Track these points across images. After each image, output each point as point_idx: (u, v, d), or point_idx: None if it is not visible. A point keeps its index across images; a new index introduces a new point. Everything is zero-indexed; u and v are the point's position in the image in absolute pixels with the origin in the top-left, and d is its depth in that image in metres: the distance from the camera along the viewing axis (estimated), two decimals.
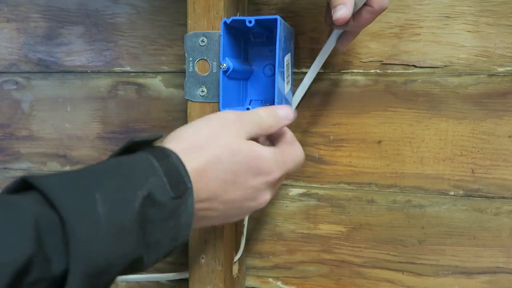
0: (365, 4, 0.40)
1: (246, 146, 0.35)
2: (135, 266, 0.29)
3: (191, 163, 0.32)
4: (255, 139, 0.37)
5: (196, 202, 0.32)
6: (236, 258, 0.55)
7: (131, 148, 0.32)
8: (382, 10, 0.41)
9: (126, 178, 0.29)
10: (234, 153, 0.34)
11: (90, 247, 0.25)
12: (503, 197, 0.50)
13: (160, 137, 0.34)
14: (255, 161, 0.35)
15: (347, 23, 0.41)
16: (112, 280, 0.28)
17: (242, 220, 0.57)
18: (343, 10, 0.39)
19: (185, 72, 0.48)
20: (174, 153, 0.32)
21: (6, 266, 0.23)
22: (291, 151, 0.39)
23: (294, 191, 0.57)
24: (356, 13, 0.41)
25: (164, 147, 0.33)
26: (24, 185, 0.27)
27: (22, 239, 0.24)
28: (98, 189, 0.27)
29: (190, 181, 0.31)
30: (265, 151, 0.36)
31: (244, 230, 0.56)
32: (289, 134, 0.40)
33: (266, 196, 0.38)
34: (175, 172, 0.31)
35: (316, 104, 0.54)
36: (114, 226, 0.27)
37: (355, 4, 0.40)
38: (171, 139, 0.34)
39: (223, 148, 0.34)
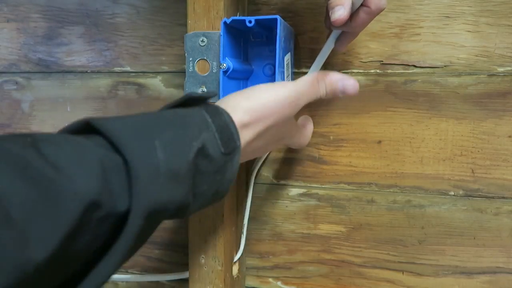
0: (362, 5, 0.40)
1: (291, 126, 0.42)
2: (181, 212, 0.31)
3: (245, 133, 0.35)
4: None
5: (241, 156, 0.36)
6: (236, 258, 0.55)
7: (186, 102, 0.34)
8: (380, 10, 0.41)
9: (183, 128, 0.31)
10: (280, 131, 0.39)
11: (151, 189, 0.27)
12: (503, 197, 0.50)
13: (215, 95, 0.37)
14: (289, 135, 0.43)
15: (345, 24, 0.41)
16: (162, 220, 0.30)
17: (242, 220, 0.57)
18: (341, 11, 0.39)
19: (185, 72, 0.48)
20: (226, 112, 0.34)
21: (79, 196, 0.24)
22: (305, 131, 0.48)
23: (294, 191, 0.57)
24: (353, 14, 0.41)
25: (216, 105, 0.35)
26: (86, 127, 0.28)
27: (92, 174, 0.25)
28: (157, 136, 0.29)
29: (239, 139, 0.34)
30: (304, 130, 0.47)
31: (244, 230, 0.56)
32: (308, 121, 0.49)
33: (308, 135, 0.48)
34: (226, 130, 0.33)
35: (316, 104, 0.54)
36: (171, 172, 0.28)
37: (353, 4, 0.40)
38: (236, 103, 0.36)
39: (274, 127, 0.38)
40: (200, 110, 0.33)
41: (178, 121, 0.31)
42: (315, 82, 0.40)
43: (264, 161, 0.57)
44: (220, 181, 0.33)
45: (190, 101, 0.34)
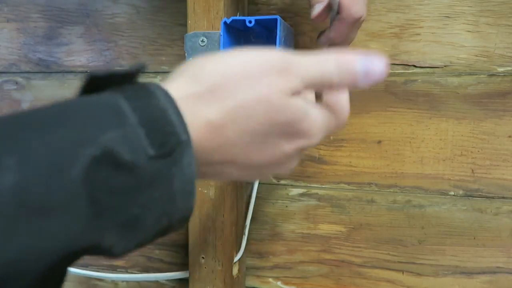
0: (337, 13, 0.41)
1: (289, 104, 0.25)
2: (96, 254, 0.21)
3: (204, 112, 0.23)
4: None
5: (202, 165, 0.24)
6: (237, 258, 0.55)
7: (95, 86, 0.23)
8: (352, 19, 0.40)
9: (66, 131, 0.20)
10: (270, 110, 0.25)
11: None
12: (503, 197, 0.50)
13: (142, 68, 0.23)
14: (296, 124, 0.26)
15: (326, 35, 0.42)
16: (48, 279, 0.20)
17: (244, 221, 0.57)
18: (319, 7, 0.40)
19: None
20: (165, 92, 0.22)
21: None
22: (340, 117, 0.30)
23: (294, 191, 0.57)
24: (331, 25, 0.41)
25: (148, 84, 0.23)
26: None
27: None
28: (13, 149, 0.19)
29: (186, 133, 0.22)
30: (313, 113, 0.27)
31: (246, 231, 0.56)
32: (346, 96, 0.30)
33: (295, 162, 0.29)
34: (160, 120, 0.21)
35: None
36: (32, 203, 0.18)
37: (332, 9, 0.40)
38: (180, 73, 0.25)
39: (255, 101, 0.24)
40: (112, 95, 0.22)
41: (60, 120, 0.20)
42: (320, 56, 0.27)
43: None
44: (163, 198, 0.22)
45: (102, 83, 0.23)
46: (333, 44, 0.43)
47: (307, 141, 0.28)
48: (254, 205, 0.58)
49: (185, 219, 0.24)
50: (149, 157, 0.21)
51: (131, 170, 0.20)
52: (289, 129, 0.26)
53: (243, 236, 0.56)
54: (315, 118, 0.27)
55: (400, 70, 0.52)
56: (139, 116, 0.21)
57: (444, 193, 0.52)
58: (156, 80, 0.60)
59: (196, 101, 0.24)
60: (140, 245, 0.23)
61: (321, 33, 0.44)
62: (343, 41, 0.43)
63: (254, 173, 0.28)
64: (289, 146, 0.27)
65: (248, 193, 0.58)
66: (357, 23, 0.41)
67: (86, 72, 0.62)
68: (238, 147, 0.25)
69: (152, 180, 0.21)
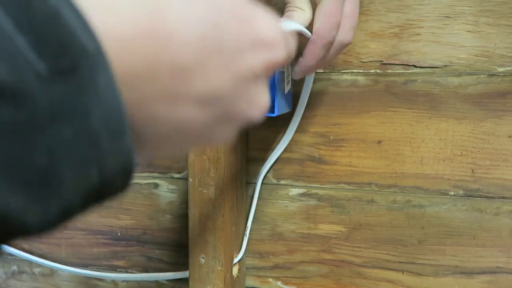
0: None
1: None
2: (8, 231, 0.14)
3: (121, 14, 0.16)
4: None
5: (135, 104, 0.17)
6: (237, 259, 0.55)
7: None
8: (323, 39, 0.39)
9: None
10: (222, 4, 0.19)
11: None
12: (503, 197, 0.50)
13: None
14: (257, 25, 0.21)
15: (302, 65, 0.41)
16: None
17: (244, 221, 0.57)
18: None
19: None
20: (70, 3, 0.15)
21: None
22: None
23: (294, 191, 0.57)
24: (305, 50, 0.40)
25: None
26: None
27: None
28: None
29: (94, 40, 0.15)
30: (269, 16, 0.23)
31: (247, 232, 0.56)
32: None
33: (264, 98, 0.23)
34: (51, 23, 0.14)
35: (316, 104, 0.54)
36: None
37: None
38: None
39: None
40: None
41: None
42: None
43: (266, 161, 0.57)
44: (81, 141, 0.15)
45: None
46: (310, 70, 0.42)
47: (270, 52, 0.22)
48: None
49: (128, 170, 0.17)
50: (40, 76, 0.14)
51: (18, 97, 0.13)
52: (250, 31, 0.21)
53: (244, 237, 0.56)
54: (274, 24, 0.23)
55: (400, 70, 0.52)
56: (16, 19, 0.13)
57: (444, 193, 0.52)
58: None
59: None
60: (67, 212, 0.16)
61: (295, 59, 0.42)
62: (320, 65, 0.42)
63: (220, 117, 0.20)
64: (253, 58, 0.21)
65: (250, 194, 0.58)
66: (337, 47, 0.40)
67: None
68: (188, 56, 0.17)
69: (55, 111, 0.14)
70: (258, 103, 0.23)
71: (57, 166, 0.15)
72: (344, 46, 0.41)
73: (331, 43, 0.40)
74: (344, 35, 0.40)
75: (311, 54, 0.40)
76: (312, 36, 0.39)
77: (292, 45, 0.26)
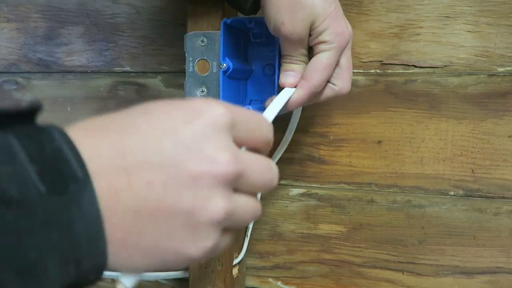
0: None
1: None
2: None
3: (108, 150, 0.22)
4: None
5: (115, 215, 0.21)
6: (237, 260, 0.55)
7: None
8: (312, 89, 0.41)
9: None
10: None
11: None
12: (503, 197, 0.50)
13: (38, 107, 0.22)
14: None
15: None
16: None
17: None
18: (289, 75, 0.41)
19: (185, 72, 0.48)
20: (60, 130, 0.21)
21: None
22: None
23: (294, 191, 0.57)
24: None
25: (44, 124, 0.22)
26: None
27: None
28: None
29: (83, 170, 0.20)
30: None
31: (249, 233, 0.56)
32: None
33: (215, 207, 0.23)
34: (52, 157, 0.20)
35: (316, 104, 0.54)
36: None
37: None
38: (87, 121, 0.24)
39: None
40: (4, 134, 0.20)
41: None
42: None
43: None
44: (65, 244, 0.20)
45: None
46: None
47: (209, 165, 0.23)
48: None
49: (99, 269, 0.21)
50: (40, 193, 0.19)
51: (21, 207, 0.19)
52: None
53: (245, 237, 0.56)
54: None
55: (400, 70, 0.52)
56: (30, 153, 0.20)
57: (444, 193, 0.52)
58: (156, 80, 0.60)
59: (100, 139, 0.22)
60: None
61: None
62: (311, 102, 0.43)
63: (185, 229, 0.23)
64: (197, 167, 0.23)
65: None
66: (335, 95, 0.42)
67: (86, 72, 0.63)
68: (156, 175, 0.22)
69: (48, 219, 0.19)
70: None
71: (43, 262, 0.19)
72: (343, 94, 0.43)
73: (320, 91, 0.42)
74: (344, 85, 0.42)
75: (299, 97, 0.41)
76: (303, 83, 0.41)
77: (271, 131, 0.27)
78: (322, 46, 0.39)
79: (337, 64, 0.41)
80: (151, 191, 0.22)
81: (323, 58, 0.39)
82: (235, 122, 0.24)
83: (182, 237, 0.23)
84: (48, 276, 0.19)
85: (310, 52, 0.41)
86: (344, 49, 0.40)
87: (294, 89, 0.42)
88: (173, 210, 0.22)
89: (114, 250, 0.21)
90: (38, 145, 0.20)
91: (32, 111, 0.22)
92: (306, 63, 0.41)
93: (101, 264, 0.21)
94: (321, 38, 0.39)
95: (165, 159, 0.22)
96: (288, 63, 0.42)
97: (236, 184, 0.24)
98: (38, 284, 0.19)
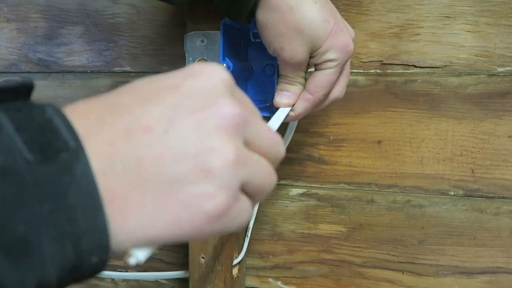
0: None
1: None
2: None
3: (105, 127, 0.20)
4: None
5: (116, 189, 0.19)
6: (237, 260, 0.55)
7: None
8: (314, 100, 0.41)
9: None
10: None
11: None
12: (503, 197, 0.50)
13: (28, 84, 0.21)
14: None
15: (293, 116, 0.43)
16: None
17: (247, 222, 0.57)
18: (285, 96, 0.42)
19: None
20: (53, 105, 0.20)
21: None
22: None
23: (294, 191, 0.57)
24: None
25: (35, 101, 0.21)
26: None
27: None
28: None
29: (76, 139, 0.19)
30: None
31: (249, 233, 0.56)
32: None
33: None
34: (41, 127, 0.19)
35: None
36: None
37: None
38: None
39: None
40: None
41: None
42: None
43: None
44: (59, 216, 0.18)
45: None
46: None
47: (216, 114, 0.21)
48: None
49: (102, 249, 0.19)
50: (28, 162, 0.18)
51: (6, 176, 0.17)
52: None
53: (246, 238, 0.56)
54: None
55: (400, 70, 0.52)
56: (17, 124, 0.18)
57: (444, 193, 0.52)
58: None
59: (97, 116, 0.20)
60: (43, 284, 0.18)
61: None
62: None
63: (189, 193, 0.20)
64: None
65: None
66: (330, 101, 0.43)
67: (86, 72, 0.63)
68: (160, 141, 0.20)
69: (37, 190, 0.18)
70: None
71: (35, 237, 0.17)
72: (337, 100, 0.43)
73: (321, 102, 0.42)
74: (339, 91, 0.42)
75: (303, 110, 0.42)
76: (306, 95, 0.41)
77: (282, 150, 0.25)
78: (328, 64, 0.39)
79: None
80: (151, 137, 0.20)
81: (329, 75, 0.39)
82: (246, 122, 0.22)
83: (194, 184, 0.20)
84: (41, 254, 0.18)
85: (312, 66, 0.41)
86: (349, 59, 0.40)
87: (289, 108, 0.42)
88: (179, 154, 0.20)
89: (118, 216, 0.19)
90: (26, 116, 0.19)
91: (23, 88, 0.21)
92: (303, 84, 0.41)
93: (104, 242, 0.19)
94: (326, 57, 0.38)
95: (164, 107, 0.20)
96: (285, 83, 0.42)
97: (245, 134, 0.22)
98: (31, 263, 0.17)
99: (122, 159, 0.19)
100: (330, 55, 0.38)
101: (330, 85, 0.40)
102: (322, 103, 0.42)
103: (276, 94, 0.42)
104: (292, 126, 0.54)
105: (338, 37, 0.38)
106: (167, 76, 0.22)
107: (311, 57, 0.39)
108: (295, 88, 0.41)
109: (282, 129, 0.55)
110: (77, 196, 0.18)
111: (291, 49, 0.38)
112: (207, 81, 0.22)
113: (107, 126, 0.20)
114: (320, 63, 0.39)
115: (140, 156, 0.20)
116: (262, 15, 0.38)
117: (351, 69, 0.53)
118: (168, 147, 0.20)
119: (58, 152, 0.18)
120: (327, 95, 0.41)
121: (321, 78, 0.40)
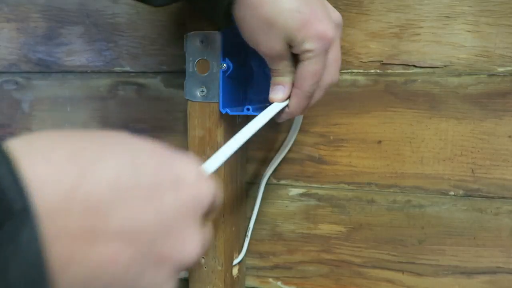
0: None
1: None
2: None
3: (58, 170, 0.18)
4: None
5: (65, 246, 0.18)
6: (238, 260, 0.55)
7: None
8: (304, 93, 0.40)
9: None
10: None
11: None
12: (503, 197, 0.50)
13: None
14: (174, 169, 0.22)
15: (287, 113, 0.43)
16: None
17: (244, 221, 0.57)
18: (279, 93, 0.41)
19: (185, 72, 0.48)
20: (3, 154, 0.17)
21: None
22: None
23: (294, 191, 0.57)
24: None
25: None
26: None
27: None
28: None
29: (23, 199, 0.17)
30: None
31: (249, 233, 0.56)
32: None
33: (195, 241, 0.23)
34: None
35: (316, 104, 0.54)
36: None
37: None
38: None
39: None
40: None
41: None
42: None
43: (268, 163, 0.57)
44: None
45: None
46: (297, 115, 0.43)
47: (193, 193, 0.22)
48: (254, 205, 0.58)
49: None
50: None
51: None
52: (168, 171, 0.22)
53: (246, 238, 0.56)
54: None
55: (400, 70, 0.52)
56: None
57: (444, 193, 0.52)
58: (156, 80, 0.60)
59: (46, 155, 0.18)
60: None
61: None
62: (306, 108, 0.43)
63: (149, 256, 0.20)
64: (175, 197, 0.21)
65: (250, 194, 0.58)
66: (324, 88, 0.42)
67: (86, 72, 0.63)
68: (103, 192, 0.18)
69: None
70: (190, 243, 0.22)
71: None
72: (332, 85, 0.42)
73: (313, 93, 0.41)
74: (331, 77, 0.41)
75: (296, 105, 0.41)
76: (295, 89, 0.41)
77: (216, 188, 0.25)
78: (306, 55, 0.38)
79: None
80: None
81: (309, 65, 0.39)
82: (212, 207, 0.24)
83: None
84: None
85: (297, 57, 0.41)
86: (329, 48, 0.39)
87: (283, 103, 0.42)
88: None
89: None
90: None
91: None
92: (293, 72, 0.41)
93: None
94: (303, 48, 0.38)
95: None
96: (276, 76, 0.41)
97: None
98: None
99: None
100: (307, 46, 0.38)
101: (315, 75, 0.39)
102: (317, 93, 0.42)
103: (270, 90, 0.42)
104: (296, 126, 0.54)
105: (314, 26, 0.37)
106: (150, 160, 0.21)
107: (291, 47, 0.39)
108: (287, 79, 0.41)
109: (286, 129, 0.55)
110: (18, 269, 0.16)
111: (266, 42, 0.38)
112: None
113: (63, 175, 0.17)
114: (300, 54, 0.39)
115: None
116: (238, 12, 0.38)
117: (351, 69, 0.53)
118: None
119: (2, 219, 0.16)
120: (316, 84, 0.40)
121: (304, 69, 0.39)
